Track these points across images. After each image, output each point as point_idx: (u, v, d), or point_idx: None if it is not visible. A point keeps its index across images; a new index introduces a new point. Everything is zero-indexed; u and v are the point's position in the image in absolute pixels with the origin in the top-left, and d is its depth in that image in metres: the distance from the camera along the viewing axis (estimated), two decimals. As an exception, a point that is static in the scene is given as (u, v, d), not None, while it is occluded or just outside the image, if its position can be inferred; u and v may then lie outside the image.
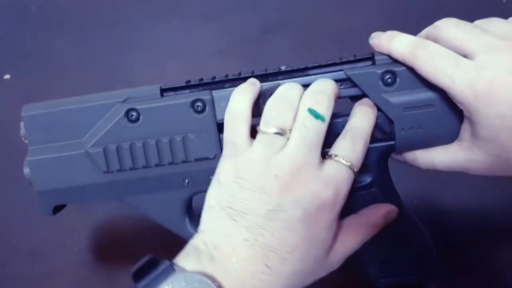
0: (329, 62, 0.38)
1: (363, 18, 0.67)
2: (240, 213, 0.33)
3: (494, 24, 0.35)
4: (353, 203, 0.36)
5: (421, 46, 0.34)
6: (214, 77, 0.39)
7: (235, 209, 0.33)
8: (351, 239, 0.35)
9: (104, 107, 0.40)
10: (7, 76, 0.63)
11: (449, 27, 0.35)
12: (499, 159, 0.33)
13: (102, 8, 0.70)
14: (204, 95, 0.38)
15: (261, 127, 0.34)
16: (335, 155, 0.33)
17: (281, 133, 0.33)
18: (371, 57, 0.37)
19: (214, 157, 0.39)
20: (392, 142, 0.36)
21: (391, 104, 0.36)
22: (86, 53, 0.65)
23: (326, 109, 0.34)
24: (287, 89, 0.35)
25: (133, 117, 0.39)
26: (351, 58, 0.37)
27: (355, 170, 0.34)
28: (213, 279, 0.31)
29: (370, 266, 0.38)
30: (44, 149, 0.41)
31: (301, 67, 0.38)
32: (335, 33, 0.65)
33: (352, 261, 0.37)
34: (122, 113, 0.39)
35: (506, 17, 0.65)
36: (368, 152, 0.35)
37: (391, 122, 0.36)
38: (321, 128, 0.33)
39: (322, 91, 0.35)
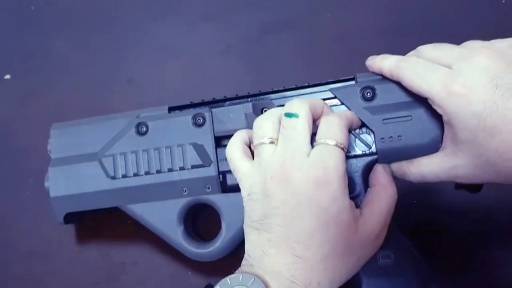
0: (316, 82, 0.43)
1: (363, 18, 0.67)
2: (258, 221, 0.36)
3: (468, 43, 0.39)
4: None
5: (404, 59, 0.39)
6: (214, 98, 0.46)
7: (254, 220, 0.37)
8: (375, 206, 0.38)
9: (118, 123, 0.47)
10: (7, 76, 0.63)
11: (428, 48, 0.39)
12: (480, 159, 0.35)
13: (102, 9, 0.70)
14: (205, 111, 0.45)
15: (254, 143, 0.39)
16: (319, 139, 0.37)
17: (272, 141, 0.38)
18: (353, 77, 0.42)
19: (210, 165, 0.44)
20: (375, 155, 0.40)
21: (371, 116, 0.40)
22: (87, 54, 0.65)
23: (297, 108, 0.38)
24: (269, 112, 0.40)
25: (143, 130, 0.46)
26: (336, 79, 0.43)
27: (342, 146, 0.36)
28: (258, 277, 0.34)
29: (357, 281, 0.39)
30: (64, 159, 0.46)
31: (292, 86, 0.44)
32: (335, 33, 0.65)
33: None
34: (133, 126, 0.46)
35: (505, 17, 0.65)
36: (353, 165, 0.40)
37: (373, 134, 0.40)
38: (297, 123, 0.37)
39: (295, 101, 0.39)
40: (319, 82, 0.43)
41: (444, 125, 0.37)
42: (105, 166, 0.45)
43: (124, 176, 0.45)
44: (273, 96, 0.45)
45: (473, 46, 0.38)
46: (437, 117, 0.38)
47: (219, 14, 0.68)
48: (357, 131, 0.41)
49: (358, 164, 0.40)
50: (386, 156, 0.40)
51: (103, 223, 0.50)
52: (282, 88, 0.44)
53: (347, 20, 0.67)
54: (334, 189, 0.35)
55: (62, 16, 0.70)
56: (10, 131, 0.59)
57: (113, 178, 0.45)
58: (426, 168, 0.38)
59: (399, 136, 0.39)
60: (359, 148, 0.40)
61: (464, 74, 0.35)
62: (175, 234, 0.44)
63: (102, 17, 0.69)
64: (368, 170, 0.40)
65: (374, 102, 0.40)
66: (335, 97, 0.42)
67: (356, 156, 0.40)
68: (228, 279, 0.35)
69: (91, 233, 0.50)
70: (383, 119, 0.39)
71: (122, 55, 0.65)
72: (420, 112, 0.39)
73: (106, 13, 0.70)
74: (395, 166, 0.40)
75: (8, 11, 0.72)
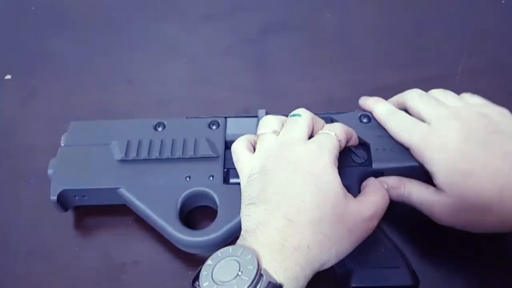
0: (318, 112, 0.47)
1: (362, 19, 0.67)
2: (256, 197, 0.39)
3: (449, 98, 0.45)
4: None
5: (393, 112, 0.46)
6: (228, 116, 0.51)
7: (252, 197, 0.40)
8: (368, 195, 0.42)
9: (136, 123, 0.50)
10: (8, 77, 0.64)
11: (412, 98, 0.46)
12: (458, 199, 0.40)
13: (102, 9, 0.70)
14: (220, 119, 0.50)
15: (257, 134, 0.44)
16: (321, 131, 0.43)
17: (274, 132, 0.43)
18: (353, 110, 0.49)
19: (217, 157, 0.47)
20: (369, 166, 0.46)
21: (367, 133, 0.47)
22: (87, 54, 0.65)
23: (301, 111, 0.45)
24: (275, 115, 0.46)
25: (160, 127, 0.50)
26: (337, 111, 0.49)
27: (339, 138, 0.42)
28: (249, 247, 0.36)
29: (348, 272, 0.41)
30: (76, 144, 0.49)
31: (294, 114, 0.47)
32: (334, 34, 0.65)
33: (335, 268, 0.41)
34: (152, 125, 0.49)
35: (505, 18, 0.65)
36: (350, 172, 0.45)
37: (368, 149, 0.46)
38: (299, 119, 0.43)
39: (299, 109, 0.45)
40: (321, 112, 0.48)
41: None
42: (116, 148, 0.47)
43: (133, 159, 0.47)
44: None
45: (453, 106, 0.44)
46: None
47: (219, 15, 0.69)
48: (353, 148, 0.47)
49: (354, 173, 0.46)
50: (380, 162, 0.45)
51: (103, 223, 0.50)
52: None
53: (346, 21, 0.67)
54: (326, 163, 0.40)
55: (62, 16, 0.70)
56: (10, 131, 0.59)
57: (122, 160, 0.47)
58: (415, 191, 0.43)
59: (390, 148, 0.46)
60: (355, 160, 0.46)
61: (440, 131, 0.42)
62: (171, 222, 0.45)
63: (103, 18, 0.70)
64: (362, 177, 0.45)
65: (369, 125, 0.48)
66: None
67: (352, 166, 0.46)
68: (218, 253, 0.36)
69: (92, 233, 0.50)
70: (378, 135, 0.47)
71: (123, 55, 0.65)
72: None
73: (107, 14, 0.70)
74: (395, 179, 0.44)
75: (9, 11, 0.72)
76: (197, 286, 0.35)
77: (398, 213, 0.46)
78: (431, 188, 0.43)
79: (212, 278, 0.34)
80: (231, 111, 0.56)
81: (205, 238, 0.44)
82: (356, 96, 0.53)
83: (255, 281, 0.33)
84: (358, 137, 0.47)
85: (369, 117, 0.48)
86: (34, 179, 0.53)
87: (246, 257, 0.34)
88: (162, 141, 0.48)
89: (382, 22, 0.66)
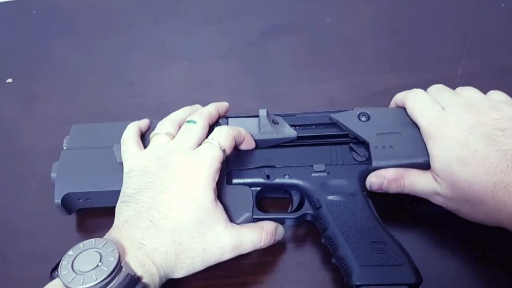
0: (317, 111, 0.49)
1: (362, 22, 0.67)
2: (131, 195, 0.41)
3: (470, 92, 0.47)
4: (342, 206, 0.44)
5: (413, 91, 0.48)
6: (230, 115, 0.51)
7: (127, 195, 0.41)
8: (245, 232, 0.43)
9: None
10: (9, 80, 0.64)
11: (434, 89, 0.47)
12: (454, 188, 0.42)
13: (104, 13, 0.71)
14: (222, 119, 0.49)
15: (152, 133, 0.46)
16: (207, 140, 0.44)
17: (168, 134, 0.45)
18: (351, 109, 0.49)
19: None
20: (369, 164, 0.46)
21: (366, 131, 0.46)
22: (88, 57, 0.66)
23: (197, 117, 0.46)
24: (173, 114, 0.48)
25: None
26: (336, 110, 0.49)
27: (223, 148, 0.43)
28: (112, 240, 0.37)
29: (351, 270, 0.41)
30: (78, 147, 0.49)
31: (291, 112, 0.50)
32: (334, 38, 0.65)
33: (335, 263, 0.42)
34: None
35: (504, 21, 0.65)
36: (351, 170, 0.46)
37: (368, 148, 0.46)
38: (192, 127, 0.45)
39: (197, 112, 0.47)
40: (319, 111, 0.49)
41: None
42: (119, 150, 0.47)
43: None
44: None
45: (470, 98, 0.45)
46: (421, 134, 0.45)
47: (219, 19, 0.69)
48: (354, 146, 0.47)
49: (355, 170, 0.46)
50: (380, 160, 0.45)
51: (105, 226, 0.50)
52: (291, 113, 0.50)
53: (346, 25, 0.67)
54: (203, 178, 0.41)
55: (64, 20, 0.70)
56: (12, 134, 0.59)
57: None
58: (416, 180, 0.44)
59: (390, 146, 0.46)
60: (356, 158, 0.46)
61: (451, 117, 0.43)
62: None
63: (104, 21, 0.70)
64: (363, 175, 0.46)
65: (368, 123, 0.47)
66: (332, 123, 0.48)
67: (353, 164, 0.46)
68: (81, 244, 0.37)
69: (93, 235, 0.49)
70: (377, 133, 0.46)
71: (124, 58, 0.65)
72: (407, 129, 0.46)
73: (108, 17, 0.70)
74: (393, 171, 0.45)
75: (10, 15, 0.72)
76: (55, 275, 0.37)
77: (400, 210, 0.47)
78: (429, 175, 0.44)
79: (72, 268, 0.35)
80: (231, 114, 0.56)
81: None
82: (356, 98, 0.53)
83: (114, 272, 0.35)
84: (358, 135, 0.47)
85: (368, 115, 0.48)
86: (36, 181, 0.53)
87: (108, 249, 0.36)
88: None
89: (382, 26, 0.67)
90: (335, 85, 0.60)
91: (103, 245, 0.36)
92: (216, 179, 0.42)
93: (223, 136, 0.44)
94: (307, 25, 0.67)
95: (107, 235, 0.39)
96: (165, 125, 0.46)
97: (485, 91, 0.48)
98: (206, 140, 0.44)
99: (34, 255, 0.49)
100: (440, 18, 0.66)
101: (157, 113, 0.59)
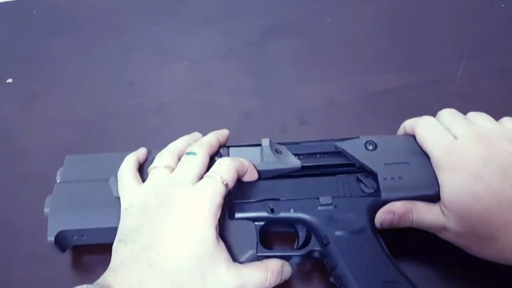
0: (322, 139, 0.47)
1: (362, 22, 0.67)
2: (128, 234, 0.39)
3: (482, 119, 0.43)
4: (351, 243, 0.42)
5: (424, 118, 0.45)
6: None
7: (124, 233, 0.39)
8: (249, 272, 0.40)
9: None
10: (9, 80, 0.64)
11: (445, 115, 0.44)
12: (464, 223, 0.39)
13: (104, 13, 0.71)
14: (223, 149, 0.46)
15: (150, 167, 0.43)
16: (209, 173, 0.41)
17: (167, 167, 0.42)
18: (357, 137, 0.46)
19: None
20: (379, 196, 0.43)
21: (374, 161, 0.44)
22: (88, 57, 0.66)
23: (196, 148, 0.43)
24: (174, 144, 0.45)
25: None
26: (342, 138, 0.47)
27: (225, 182, 0.40)
28: (106, 286, 0.35)
29: None
30: (72, 180, 0.46)
31: (295, 141, 0.47)
32: (334, 37, 0.65)
33: None
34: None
35: (504, 21, 0.65)
36: (359, 203, 0.43)
37: (376, 178, 0.44)
38: (192, 159, 0.42)
39: (197, 143, 0.45)
40: (325, 139, 0.47)
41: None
42: (115, 184, 0.44)
43: None
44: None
45: (483, 127, 0.42)
46: (431, 165, 0.43)
47: (220, 19, 0.69)
48: (362, 176, 0.44)
49: (364, 203, 0.43)
50: (389, 192, 0.43)
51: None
52: (295, 141, 0.48)
53: (346, 25, 0.67)
54: (205, 215, 0.38)
55: (64, 20, 0.70)
56: (12, 134, 0.59)
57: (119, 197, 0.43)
58: (424, 214, 0.42)
59: (399, 177, 0.43)
60: (364, 190, 0.44)
61: (464, 148, 0.41)
62: None
63: (104, 21, 0.70)
64: (372, 208, 0.43)
65: (376, 152, 0.45)
66: (338, 151, 0.46)
67: (361, 196, 0.44)
68: None
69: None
70: (385, 163, 0.44)
71: (124, 58, 0.65)
72: (416, 159, 0.44)
73: (108, 17, 0.70)
74: (402, 205, 0.42)
75: (10, 15, 0.72)
76: None
77: (410, 243, 0.45)
78: (437, 208, 0.42)
79: None
80: (231, 114, 0.56)
81: None
82: (356, 98, 0.53)
83: None
84: (365, 165, 0.44)
85: (375, 143, 0.45)
86: (36, 181, 0.53)
87: None
88: None
89: (382, 26, 0.67)
90: (335, 85, 0.60)
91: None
92: (219, 215, 0.39)
93: (225, 169, 0.41)
94: (307, 25, 0.67)
95: (102, 279, 0.37)
96: (164, 157, 0.44)
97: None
98: (207, 173, 0.41)
99: (34, 255, 0.49)
100: (440, 18, 0.66)
101: (157, 114, 0.59)
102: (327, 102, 0.58)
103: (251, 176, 0.44)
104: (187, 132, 0.48)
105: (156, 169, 0.43)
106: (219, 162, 0.42)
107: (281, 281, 0.42)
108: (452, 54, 0.62)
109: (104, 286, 0.35)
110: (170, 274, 0.37)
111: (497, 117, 0.44)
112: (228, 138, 0.47)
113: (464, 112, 0.45)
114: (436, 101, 0.55)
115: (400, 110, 0.56)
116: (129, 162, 0.45)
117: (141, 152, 0.47)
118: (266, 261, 0.41)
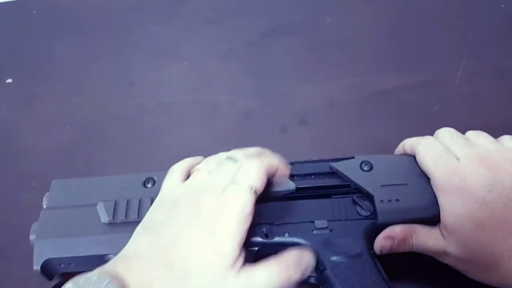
0: (316, 159, 0.45)
1: (362, 23, 0.67)
2: (155, 223, 0.38)
3: (482, 140, 0.42)
4: (348, 268, 0.40)
5: (425, 138, 0.44)
6: None
7: (151, 221, 0.39)
8: (260, 272, 0.37)
9: (123, 179, 0.46)
10: (9, 80, 0.64)
11: (445, 135, 0.43)
12: (466, 249, 0.38)
13: (104, 13, 0.71)
14: None
15: (194, 167, 0.43)
16: (237, 178, 0.39)
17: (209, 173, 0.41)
18: (352, 157, 0.45)
19: None
20: (375, 219, 0.42)
21: (370, 183, 0.43)
22: (88, 57, 0.66)
23: (239, 155, 0.41)
24: (220, 154, 0.43)
25: (149, 183, 0.45)
26: (336, 157, 0.45)
27: (254, 189, 0.38)
28: (116, 277, 0.34)
29: None
30: (59, 206, 0.44)
31: (292, 161, 0.45)
32: (334, 37, 0.65)
33: None
34: (140, 182, 0.45)
35: (504, 21, 0.65)
36: (355, 226, 0.42)
37: (373, 201, 0.42)
38: (231, 165, 0.40)
39: (240, 150, 0.42)
40: (320, 159, 0.46)
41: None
42: (103, 210, 0.43)
43: (122, 221, 0.43)
44: None
45: (484, 148, 0.41)
46: (430, 186, 0.42)
47: (220, 19, 0.69)
48: (358, 199, 0.43)
49: (360, 226, 0.42)
50: (386, 215, 0.42)
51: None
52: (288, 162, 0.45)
53: (346, 25, 0.67)
54: (232, 224, 0.37)
55: (64, 20, 0.70)
56: (11, 135, 0.59)
57: (110, 223, 0.43)
58: (424, 238, 0.41)
59: (397, 199, 0.42)
60: (360, 213, 0.43)
61: (466, 170, 0.39)
62: None
63: (104, 21, 0.70)
64: (369, 232, 0.42)
65: (372, 173, 0.44)
66: (333, 172, 0.45)
67: (358, 219, 0.42)
68: (80, 280, 0.33)
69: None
70: (381, 185, 0.43)
71: (124, 58, 0.65)
72: (413, 180, 0.43)
73: (108, 17, 0.70)
74: (401, 230, 0.41)
75: (10, 15, 0.72)
76: None
77: (409, 267, 0.45)
78: (437, 231, 0.41)
79: None
80: (231, 114, 0.56)
81: None
82: (356, 98, 0.53)
83: None
84: (361, 187, 0.43)
85: (371, 164, 0.44)
86: (36, 181, 0.53)
87: None
88: (152, 199, 0.43)
89: (382, 26, 0.67)
90: (335, 85, 0.60)
91: (106, 284, 0.33)
92: (250, 221, 0.37)
93: (254, 176, 0.39)
94: (307, 25, 0.67)
95: (112, 266, 0.36)
96: (211, 162, 0.43)
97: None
98: (235, 178, 0.39)
99: (30, 256, 0.49)
100: (440, 18, 0.66)
101: (157, 114, 0.59)
102: (327, 102, 0.58)
103: (281, 175, 0.42)
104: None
105: (198, 171, 0.42)
106: (247, 166, 0.40)
107: (304, 276, 0.39)
108: (452, 54, 0.62)
109: (115, 275, 0.34)
110: (182, 279, 0.35)
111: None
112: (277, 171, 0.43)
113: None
114: (436, 101, 0.55)
115: (400, 110, 0.56)
116: (184, 163, 0.44)
117: (198, 160, 0.45)
118: (279, 256, 0.39)
